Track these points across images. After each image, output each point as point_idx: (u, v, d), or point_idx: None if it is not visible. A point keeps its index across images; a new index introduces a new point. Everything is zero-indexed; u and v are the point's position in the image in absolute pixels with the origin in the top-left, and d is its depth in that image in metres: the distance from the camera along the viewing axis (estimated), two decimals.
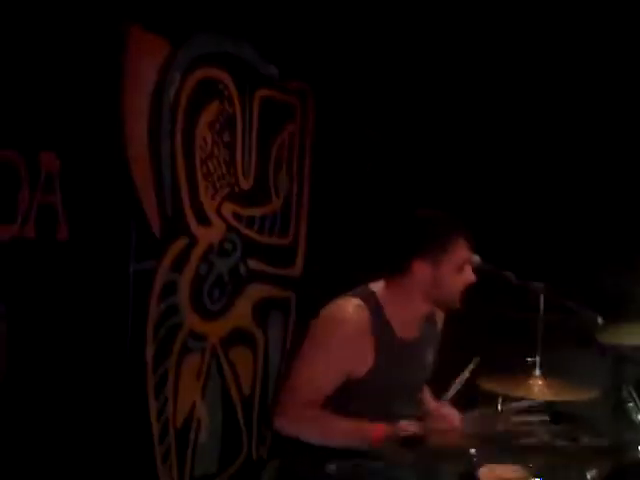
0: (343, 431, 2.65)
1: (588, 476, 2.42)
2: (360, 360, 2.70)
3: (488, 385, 2.97)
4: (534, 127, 3.78)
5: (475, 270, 2.95)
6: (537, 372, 3.01)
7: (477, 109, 3.89)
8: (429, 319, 2.97)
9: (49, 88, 2.63)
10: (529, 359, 2.99)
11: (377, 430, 2.60)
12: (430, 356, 2.99)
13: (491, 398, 2.94)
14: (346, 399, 2.71)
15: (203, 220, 3.30)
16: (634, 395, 2.43)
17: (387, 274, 2.84)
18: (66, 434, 2.77)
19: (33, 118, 2.57)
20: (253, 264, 3.57)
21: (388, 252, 2.87)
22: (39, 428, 2.67)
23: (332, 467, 2.77)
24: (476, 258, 3.03)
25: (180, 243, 3.19)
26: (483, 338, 3.57)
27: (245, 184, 3.51)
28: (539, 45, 3.73)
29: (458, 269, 2.76)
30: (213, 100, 3.31)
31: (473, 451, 2.48)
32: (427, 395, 3.10)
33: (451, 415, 2.81)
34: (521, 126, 3.79)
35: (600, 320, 3.04)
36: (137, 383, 3.08)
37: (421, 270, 2.75)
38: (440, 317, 2.99)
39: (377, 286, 2.83)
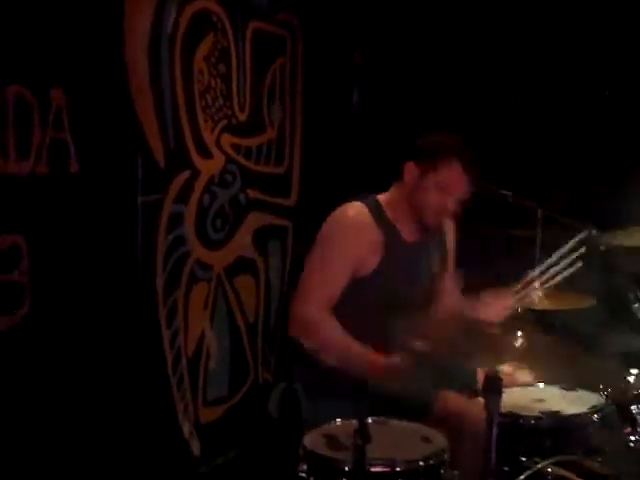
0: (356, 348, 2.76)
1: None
2: (365, 257, 2.84)
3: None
4: (530, 43, 3.84)
5: (468, 198, 3.05)
6: (537, 284, 3.15)
7: (468, 29, 3.94)
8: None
9: (53, 26, 2.65)
10: (530, 272, 3.13)
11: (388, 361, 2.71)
12: (436, 264, 3.09)
13: None
14: (353, 301, 2.82)
15: (204, 152, 3.36)
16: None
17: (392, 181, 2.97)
18: (82, 365, 2.84)
19: (40, 56, 2.59)
20: (252, 194, 3.65)
21: (391, 160, 2.99)
22: (56, 356, 2.75)
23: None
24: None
25: (184, 175, 3.26)
26: (485, 255, 3.70)
27: (241, 115, 3.57)
28: None
29: (439, 189, 2.86)
30: (208, 33, 3.33)
31: None
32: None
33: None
34: (518, 42, 3.85)
35: (594, 231, 3.18)
36: (149, 313, 3.16)
37: (409, 173, 2.89)
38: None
39: (381, 196, 2.98)
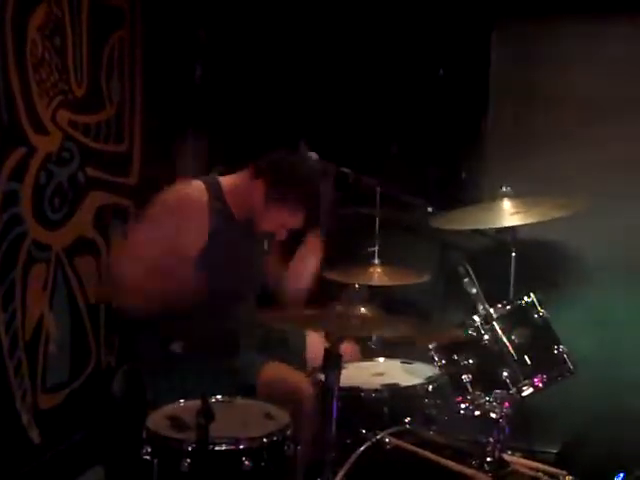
0: None
1: (430, 346, 2.68)
2: (193, 236, 2.84)
3: (332, 275, 3.18)
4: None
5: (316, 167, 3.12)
6: (376, 261, 3.25)
7: (306, 7, 3.97)
8: None
9: None
10: (369, 249, 3.22)
11: None
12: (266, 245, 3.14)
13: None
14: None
15: (40, 129, 3.23)
16: (470, 271, 2.69)
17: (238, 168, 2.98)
18: None
19: None
20: (91, 172, 3.56)
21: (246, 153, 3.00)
22: None
23: (176, 345, 2.92)
24: (314, 155, 3.20)
25: (18, 153, 3.13)
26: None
27: (78, 91, 3.46)
28: None
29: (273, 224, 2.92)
30: (41, 1, 3.20)
31: None
32: None
33: None
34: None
35: (430, 209, 3.30)
36: None
37: (257, 190, 2.91)
38: None
39: (224, 178, 3.00)
